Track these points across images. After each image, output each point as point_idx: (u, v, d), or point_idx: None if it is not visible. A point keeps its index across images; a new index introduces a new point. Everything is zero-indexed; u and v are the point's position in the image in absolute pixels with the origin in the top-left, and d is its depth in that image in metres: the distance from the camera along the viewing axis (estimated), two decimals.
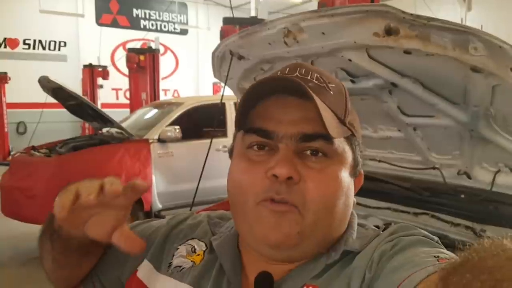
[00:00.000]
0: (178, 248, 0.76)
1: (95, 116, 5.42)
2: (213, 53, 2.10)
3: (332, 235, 0.67)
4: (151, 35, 12.57)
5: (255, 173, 0.64)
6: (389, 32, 1.42)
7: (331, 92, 0.67)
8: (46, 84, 5.10)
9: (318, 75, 0.68)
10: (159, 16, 15.60)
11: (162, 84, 9.97)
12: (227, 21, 5.56)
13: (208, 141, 2.81)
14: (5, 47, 13.03)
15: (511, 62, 1.28)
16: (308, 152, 0.64)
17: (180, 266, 0.73)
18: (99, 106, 9.30)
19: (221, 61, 2.11)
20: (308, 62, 1.82)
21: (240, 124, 0.67)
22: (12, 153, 9.71)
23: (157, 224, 0.83)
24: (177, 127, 5.19)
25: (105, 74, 11.83)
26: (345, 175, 0.66)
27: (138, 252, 0.65)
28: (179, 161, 5.21)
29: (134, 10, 15.17)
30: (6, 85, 10.99)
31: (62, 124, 11.73)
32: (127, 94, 10.97)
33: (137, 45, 12.12)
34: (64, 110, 5.78)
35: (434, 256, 0.55)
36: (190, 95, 12.07)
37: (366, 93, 1.81)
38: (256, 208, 0.63)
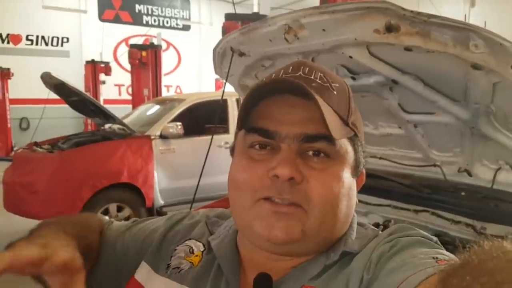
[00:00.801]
0: (176, 249, 0.76)
1: (97, 112, 5.43)
2: (214, 50, 2.10)
3: (334, 235, 0.67)
4: (153, 31, 12.57)
5: (255, 171, 0.64)
6: (389, 29, 1.42)
7: (335, 92, 0.67)
8: (49, 80, 5.11)
9: (321, 74, 0.68)
10: (162, 11, 15.58)
11: (164, 80, 9.98)
12: (229, 17, 5.55)
13: (210, 137, 2.81)
14: (8, 43, 13.05)
15: None
16: (310, 152, 0.64)
17: (178, 268, 0.73)
18: (101, 102, 9.34)
19: (222, 57, 2.10)
20: (309, 58, 1.82)
21: (242, 123, 0.66)
22: (15, 148, 9.77)
23: (154, 224, 0.83)
24: (179, 123, 5.19)
25: (107, 70, 11.86)
26: (347, 176, 0.65)
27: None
28: (181, 157, 5.22)
29: (137, 6, 15.15)
30: (9, 81, 11.03)
31: (65, 120, 11.77)
32: (130, 90, 10.98)
33: (140, 41, 12.15)
34: (67, 106, 5.80)
35: (433, 257, 0.55)
36: (192, 91, 12.07)
37: (366, 90, 1.81)
38: (256, 206, 0.63)
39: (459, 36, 1.30)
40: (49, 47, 13.70)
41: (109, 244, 0.81)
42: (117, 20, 14.83)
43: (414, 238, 0.62)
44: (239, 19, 5.37)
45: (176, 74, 15.62)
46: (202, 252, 0.74)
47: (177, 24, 15.88)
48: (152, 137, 5.10)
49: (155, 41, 9.95)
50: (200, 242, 0.76)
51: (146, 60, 8.80)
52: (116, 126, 5.48)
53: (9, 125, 11.23)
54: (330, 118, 0.61)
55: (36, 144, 5.21)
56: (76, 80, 9.77)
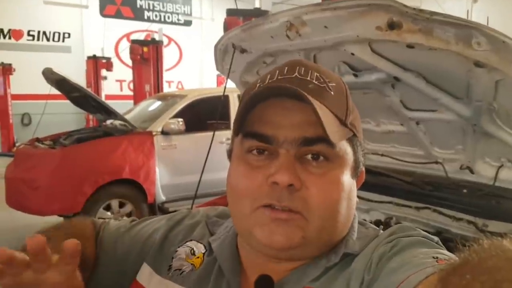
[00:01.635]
0: (177, 251, 0.76)
1: (99, 108, 5.43)
2: (216, 46, 2.10)
3: (335, 238, 0.66)
4: (155, 26, 12.54)
5: (254, 178, 0.63)
6: (392, 26, 1.41)
7: (332, 93, 0.66)
8: (50, 76, 5.12)
9: (318, 74, 0.66)
10: (163, 7, 15.54)
11: (166, 76, 9.96)
12: (230, 12, 5.53)
13: (212, 133, 2.81)
14: (9, 38, 13.04)
15: None
16: (309, 156, 0.63)
17: (180, 269, 0.73)
18: (103, 98, 9.34)
19: (224, 54, 2.10)
20: (311, 55, 1.82)
21: (239, 128, 0.65)
22: (16, 144, 9.79)
23: (155, 225, 0.82)
24: (181, 119, 5.19)
25: (109, 66, 11.85)
26: (346, 178, 0.65)
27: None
28: (183, 153, 5.22)
29: (138, 1, 15.12)
30: (10, 76, 11.03)
31: (67, 116, 11.77)
32: (131, 86, 10.97)
33: (141, 36, 12.12)
34: (69, 101, 5.80)
35: (433, 257, 0.55)
36: (194, 87, 12.06)
37: (369, 87, 1.81)
38: (255, 213, 0.63)
39: (461, 33, 1.30)
40: (51, 42, 13.68)
41: (108, 247, 0.80)
42: (118, 15, 14.80)
43: (415, 238, 0.62)
44: (240, 14, 5.35)
45: (178, 69, 15.60)
46: (204, 254, 0.74)
47: (178, 20, 15.84)
48: (154, 133, 5.10)
49: (157, 37, 9.91)
50: (201, 243, 0.76)
51: (147, 56, 8.77)
52: (117, 122, 5.49)
53: (11, 121, 11.24)
54: (327, 121, 0.60)
55: (38, 140, 5.22)
56: (78, 75, 9.76)
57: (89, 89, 6.44)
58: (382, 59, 1.62)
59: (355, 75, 1.78)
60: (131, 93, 10.48)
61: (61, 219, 4.51)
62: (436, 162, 1.92)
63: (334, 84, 0.67)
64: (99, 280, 0.78)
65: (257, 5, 9.47)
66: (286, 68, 0.68)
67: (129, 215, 4.79)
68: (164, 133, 5.13)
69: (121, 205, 4.86)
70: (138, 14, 15.14)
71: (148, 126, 5.22)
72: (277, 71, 0.68)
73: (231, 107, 5.54)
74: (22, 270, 0.56)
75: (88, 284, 0.72)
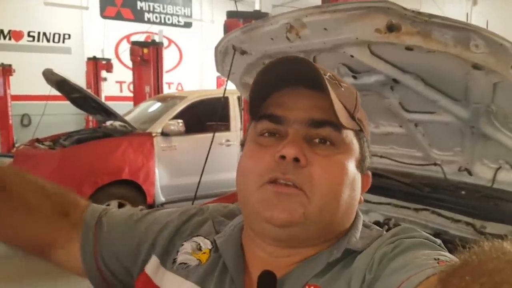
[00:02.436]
0: (183, 245, 0.77)
1: (99, 109, 5.44)
2: (216, 48, 2.11)
3: (336, 226, 0.67)
4: (155, 28, 12.55)
5: (262, 157, 0.66)
6: (391, 28, 1.42)
7: (342, 89, 0.69)
8: (50, 76, 5.12)
9: (330, 74, 0.70)
10: (163, 9, 15.55)
11: (166, 77, 9.96)
12: (230, 14, 5.54)
13: (211, 135, 2.82)
14: (9, 39, 13.04)
15: None
16: (317, 140, 0.66)
17: (185, 263, 0.74)
18: (102, 99, 9.33)
19: (224, 56, 2.11)
20: (311, 57, 1.83)
21: (253, 113, 0.69)
22: (16, 145, 9.77)
23: (167, 217, 0.82)
24: (180, 120, 5.20)
25: (109, 67, 11.83)
26: (351, 166, 0.67)
27: None
28: (182, 154, 5.22)
29: (138, 3, 15.13)
30: (10, 77, 11.02)
31: (66, 117, 11.75)
32: (131, 87, 10.97)
33: (141, 38, 12.13)
34: (68, 102, 5.80)
35: (435, 259, 0.55)
36: (194, 89, 12.07)
37: (368, 89, 1.82)
38: (260, 189, 0.64)
39: (459, 36, 1.31)
40: (51, 43, 13.68)
41: (124, 234, 0.80)
42: (118, 17, 14.81)
43: (417, 240, 0.63)
44: (240, 16, 5.36)
45: (178, 71, 15.59)
46: (210, 250, 0.75)
47: (178, 22, 15.85)
48: (154, 134, 5.10)
49: (157, 38, 9.93)
50: (208, 239, 0.77)
51: (147, 57, 8.78)
52: (117, 123, 5.49)
53: (10, 122, 11.22)
54: (338, 106, 0.63)
55: (37, 140, 5.22)
56: (78, 76, 9.76)
57: (89, 90, 6.43)
58: (381, 61, 1.63)
59: (354, 77, 1.79)
60: (131, 95, 10.47)
61: None
62: (435, 164, 1.93)
63: (345, 85, 0.71)
64: (111, 249, 0.79)
65: (257, 7, 9.49)
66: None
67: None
68: (164, 134, 5.14)
69: (120, 206, 4.85)
70: (138, 16, 15.14)
71: (148, 127, 5.23)
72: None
73: (231, 108, 5.55)
74: None
75: (97, 246, 0.79)
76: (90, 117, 10.47)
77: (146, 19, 15.18)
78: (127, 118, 5.55)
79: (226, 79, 2.27)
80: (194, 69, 15.85)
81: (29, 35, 13.30)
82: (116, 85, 13.94)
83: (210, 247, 0.75)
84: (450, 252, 0.59)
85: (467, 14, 9.54)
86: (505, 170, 1.71)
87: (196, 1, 16.09)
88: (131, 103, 9.22)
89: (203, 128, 5.32)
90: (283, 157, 0.63)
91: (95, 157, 4.77)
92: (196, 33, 16.07)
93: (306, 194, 0.63)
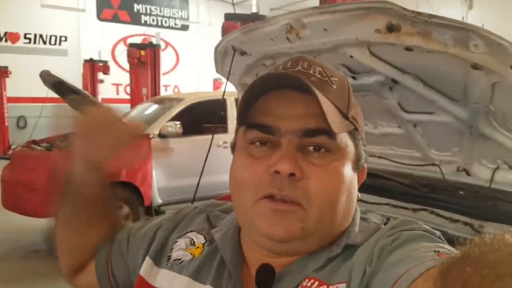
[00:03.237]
0: (177, 241, 0.77)
1: None
2: (216, 49, 2.11)
3: (335, 230, 0.67)
4: (151, 31, 12.56)
5: (256, 169, 0.64)
6: (390, 29, 1.43)
7: (334, 86, 0.67)
8: (47, 78, 5.11)
9: (320, 69, 0.68)
10: (160, 11, 15.58)
11: (163, 80, 9.96)
12: (228, 17, 5.55)
13: (209, 136, 2.82)
14: (6, 41, 13.02)
15: (511, 59, 1.29)
16: (311, 148, 0.64)
17: (179, 259, 0.74)
18: (99, 101, 9.31)
19: (224, 56, 2.11)
20: None
21: (242, 119, 0.66)
22: (12, 147, 9.73)
23: (161, 220, 0.85)
24: (178, 122, 5.20)
25: (105, 69, 11.83)
26: (348, 170, 0.66)
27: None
28: (180, 156, 5.22)
29: (135, 5, 15.15)
30: (6, 79, 10.99)
31: None
32: (128, 89, 10.97)
33: (138, 40, 12.13)
34: (65, 105, 5.78)
35: (434, 251, 0.55)
36: (190, 91, 12.06)
37: (367, 90, 1.82)
38: (257, 205, 0.64)
39: (459, 36, 1.32)
40: (47, 45, 13.67)
41: (127, 248, 0.85)
42: (115, 19, 14.82)
43: (417, 232, 0.63)
44: (238, 19, 5.37)
45: (175, 73, 15.62)
46: (204, 244, 0.75)
47: (175, 24, 15.87)
48: (151, 136, 5.10)
49: (154, 41, 9.94)
50: (201, 234, 0.77)
51: (144, 59, 8.79)
52: None
53: (6, 124, 11.19)
54: (329, 112, 0.61)
55: (34, 142, 5.21)
56: (74, 79, 9.70)
57: (86, 92, 6.41)
58: (380, 61, 1.63)
59: (354, 78, 1.80)
60: (128, 97, 10.49)
61: None
62: (433, 164, 1.94)
63: (336, 79, 0.69)
64: (116, 258, 0.84)
65: (254, 10, 9.51)
66: (290, 62, 0.69)
67: (125, 218, 4.77)
68: (161, 136, 5.13)
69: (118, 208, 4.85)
70: (135, 18, 15.16)
71: (145, 129, 5.22)
72: (281, 66, 0.70)
73: (229, 110, 5.55)
74: None
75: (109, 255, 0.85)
76: None
77: (143, 21, 15.20)
78: (124, 120, 5.53)
79: (225, 80, 2.27)
80: (191, 71, 15.87)
81: (25, 37, 13.29)
82: (113, 87, 13.95)
83: (203, 241, 0.75)
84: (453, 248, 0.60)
85: (463, 17, 9.60)
86: (503, 170, 1.72)
87: (193, 3, 16.13)
88: (128, 105, 9.21)
89: (200, 130, 5.31)
90: (277, 172, 0.61)
91: None
92: (193, 36, 16.11)
93: (303, 207, 0.62)
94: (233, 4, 3.98)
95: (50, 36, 13.67)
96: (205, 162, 2.44)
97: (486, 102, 1.51)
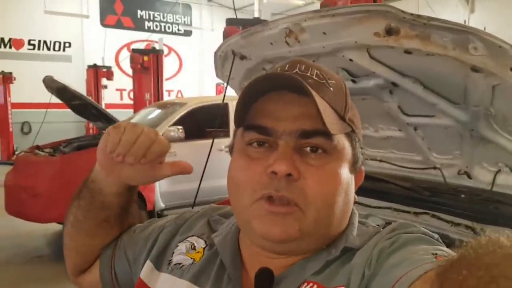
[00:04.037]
0: (178, 245, 0.78)
1: (99, 116, 5.44)
2: (216, 53, 2.12)
3: (333, 231, 0.67)
4: (155, 36, 12.62)
5: (253, 170, 0.64)
6: (389, 32, 1.43)
7: (331, 89, 0.67)
8: (51, 84, 5.14)
9: (318, 71, 0.68)
10: (163, 17, 15.66)
11: (166, 85, 10.00)
12: (230, 22, 5.57)
13: (211, 141, 2.82)
14: (10, 47, 13.10)
15: (511, 61, 1.29)
16: (308, 148, 0.64)
17: (180, 263, 0.74)
18: (103, 107, 9.36)
19: (224, 61, 2.12)
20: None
21: (240, 120, 0.67)
22: (16, 152, 9.78)
23: (163, 224, 0.85)
24: (180, 127, 5.20)
25: (109, 75, 11.89)
26: (344, 172, 0.66)
27: (191, 171, 0.78)
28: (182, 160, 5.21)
29: (139, 11, 15.23)
30: (11, 85, 11.06)
31: (67, 124, 11.78)
32: (131, 95, 11.01)
33: (141, 46, 12.20)
34: (69, 110, 5.81)
35: (432, 254, 0.55)
36: (193, 96, 12.10)
37: (367, 93, 1.82)
38: (254, 205, 0.64)
39: (458, 38, 1.32)
40: (51, 51, 13.75)
41: (129, 249, 0.85)
42: (119, 25, 14.90)
43: (415, 235, 0.63)
44: (240, 24, 5.39)
45: (178, 79, 15.66)
46: (204, 248, 0.75)
47: (178, 30, 15.94)
48: None
49: (157, 46, 9.98)
50: (201, 239, 0.77)
51: (148, 65, 8.82)
52: None
53: (10, 129, 11.24)
54: (326, 113, 0.61)
55: (38, 147, 5.22)
56: (78, 84, 9.79)
57: (89, 98, 6.45)
58: (380, 65, 1.63)
59: (354, 81, 1.80)
60: (131, 102, 10.51)
61: (61, 227, 4.50)
62: (434, 168, 1.93)
63: (333, 81, 0.69)
64: (119, 260, 0.85)
65: (256, 15, 9.55)
66: (287, 65, 0.70)
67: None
68: None
69: None
70: (138, 24, 15.24)
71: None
72: (279, 68, 0.70)
73: (231, 115, 5.56)
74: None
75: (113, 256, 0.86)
76: (91, 125, 10.50)
77: (146, 27, 15.28)
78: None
79: (225, 84, 2.27)
80: (193, 76, 15.92)
81: (29, 44, 13.37)
82: (116, 92, 14.00)
83: (203, 246, 0.76)
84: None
85: (465, 21, 9.59)
86: (504, 173, 1.71)
87: (196, 9, 16.21)
88: (131, 110, 9.25)
89: (203, 134, 5.32)
90: (275, 172, 0.62)
91: (95, 164, 4.76)
92: (195, 41, 16.17)
93: (300, 208, 0.62)
94: (235, 10, 3.98)
95: (54, 42, 13.75)
96: (205, 166, 2.44)
97: (486, 105, 1.50)
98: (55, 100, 5.70)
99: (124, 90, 14.18)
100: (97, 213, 0.81)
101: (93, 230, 0.84)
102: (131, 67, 9.09)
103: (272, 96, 0.65)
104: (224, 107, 5.30)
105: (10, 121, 11.16)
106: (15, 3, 12.78)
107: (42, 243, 5.12)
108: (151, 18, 15.47)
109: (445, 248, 0.59)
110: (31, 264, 4.48)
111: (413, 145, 1.95)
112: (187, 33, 16.09)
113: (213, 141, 2.64)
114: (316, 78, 0.67)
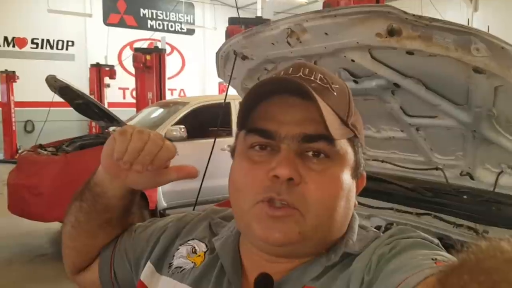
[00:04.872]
0: (178, 249, 0.77)
1: (102, 115, 5.45)
2: (217, 53, 2.12)
3: (333, 236, 0.67)
4: (157, 35, 12.62)
5: (255, 174, 0.64)
6: (391, 32, 1.42)
7: (335, 93, 0.67)
8: (53, 83, 5.15)
9: (321, 76, 0.68)
10: (166, 16, 15.66)
11: (168, 84, 10.01)
12: (232, 21, 5.58)
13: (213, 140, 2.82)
14: (13, 46, 13.14)
15: None
16: (310, 153, 0.64)
17: (180, 267, 0.74)
18: (106, 105, 9.37)
19: (225, 61, 2.12)
20: (311, 62, 1.83)
21: (242, 124, 0.66)
22: (19, 151, 9.81)
23: (164, 225, 0.85)
24: (183, 126, 5.21)
25: (112, 74, 11.90)
26: (346, 177, 0.65)
27: (197, 175, 0.77)
28: (184, 160, 5.08)
29: (141, 10, 15.24)
30: (14, 84, 11.09)
31: (69, 123, 11.81)
32: (134, 94, 11.03)
33: (144, 44, 12.18)
34: (71, 109, 5.83)
35: (432, 259, 0.55)
36: (196, 95, 12.11)
37: (369, 94, 1.82)
38: (254, 208, 0.64)
39: (460, 39, 1.31)
40: (54, 50, 13.78)
41: (130, 249, 0.85)
42: (122, 24, 14.92)
43: (414, 240, 0.63)
44: (242, 23, 5.39)
45: (180, 77, 15.67)
46: (205, 252, 0.75)
47: (181, 28, 15.95)
48: None
49: (160, 45, 9.98)
50: (203, 242, 0.77)
51: (150, 64, 8.82)
52: None
53: (14, 128, 11.28)
54: (329, 118, 0.61)
55: (40, 146, 5.23)
56: (81, 83, 9.81)
57: (92, 96, 6.46)
58: (382, 65, 1.63)
59: (355, 82, 1.79)
60: (134, 101, 10.53)
61: None
62: (437, 168, 1.93)
63: (337, 86, 0.68)
64: (119, 261, 0.85)
65: (259, 14, 9.54)
66: (291, 68, 0.69)
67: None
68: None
69: None
70: (141, 23, 15.25)
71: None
72: (282, 71, 0.70)
73: (233, 114, 5.55)
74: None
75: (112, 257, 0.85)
76: (93, 123, 10.52)
77: (149, 26, 15.28)
78: (130, 123, 5.56)
79: (227, 84, 2.27)
80: (196, 75, 15.92)
81: (32, 42, 13.40)
82: (119, 91, 14.02)
83: (205, 249, 0.76)
84: (451, 255, 0.59)
85: (468, 20, 9.56)
86: (507, 174, 1.71)
87: (198, 8, 16.20)
88: (134, 109, 9.25)
89: (205, 134, 5.32)
90: (277, 176, 0.61)
91: (98, 163, 4.73)
92: (198, 40, 16.17)
93: (301, 212, 0.62)
94: (237, 8, 3.98)
95: (57, 41, 13.78)
96: (207, 166, 2.44)
97: (489, 106, 1.50)
98: (58, 98, 5.70)
99: (127, 89, 14.20)
100: (100, 215, 0.81)
101: (95, 231, 0.83)
102: (134, 66, 9.08)
103: (275, 100, 0.65)
104: (226, 106, 5.30)
105: (13, 119, 11.20)
106: (18, 2, 12.81)
107: (45, 242, 5.13)
108: (154, 16, 15.48)
109: (445, 253, 0.59)
110: (34, 263, 4.49)
111: (415, 146, 1.94)
112: (190, 32, 16.09)
113: (215, 140, 2.64)
114: (319, 82, 0.67)
